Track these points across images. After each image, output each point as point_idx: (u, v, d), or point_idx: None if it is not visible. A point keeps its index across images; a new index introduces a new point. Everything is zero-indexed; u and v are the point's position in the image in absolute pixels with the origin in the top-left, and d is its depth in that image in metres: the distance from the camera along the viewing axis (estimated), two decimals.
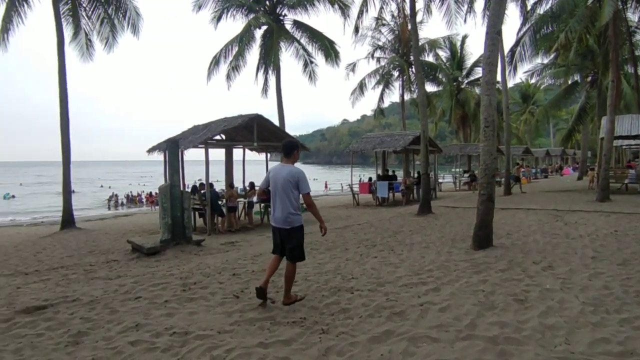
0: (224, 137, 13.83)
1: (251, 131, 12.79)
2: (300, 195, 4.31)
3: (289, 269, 4.29)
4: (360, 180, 21.74)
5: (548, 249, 6.84)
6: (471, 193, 22.23)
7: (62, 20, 15.02)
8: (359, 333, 3.56)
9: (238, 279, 5.52)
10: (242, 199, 13.89)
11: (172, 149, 8.17)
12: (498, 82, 32.84)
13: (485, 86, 7.12)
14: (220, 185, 16.11)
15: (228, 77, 19.64)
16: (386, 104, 31.60)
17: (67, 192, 13.78)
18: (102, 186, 52.85)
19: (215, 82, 23.15)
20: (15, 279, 6.64)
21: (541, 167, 41.09)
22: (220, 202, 12.09)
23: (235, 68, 19.55)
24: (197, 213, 12.71)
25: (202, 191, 11.79)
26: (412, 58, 25.92)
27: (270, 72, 21.01)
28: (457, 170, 31.32)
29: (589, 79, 22.21)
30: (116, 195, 35.49)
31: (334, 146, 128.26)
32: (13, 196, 41.86)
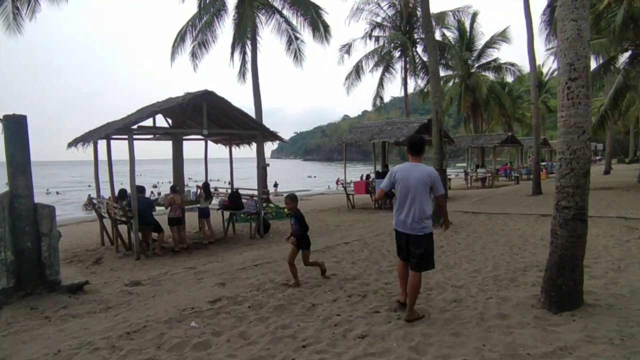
0: (170, 123, 10.49)
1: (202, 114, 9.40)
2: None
3: (414, 279, 3.78)
4: (362, 178, 17.99)
5: None
6: (488, 191, 18.82)
7: None
8: None
9: None
10: (197, 205, 10.60)
11: (13, 133, 4.63)
12: (512, 65, 29.63)
13: (569, 4, 3.72)
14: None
15: (194, 55, 16.20)
16: (387, 98, 28.07)
17: None
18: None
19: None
20: None
21: (551, 162, 37.44)
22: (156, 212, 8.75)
23: (202, 44, 16.13)
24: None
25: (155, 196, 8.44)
26: (415, 36, 22.51)
27: (248, 50, 17.57)
28: (465, 165, 27.95)
29: (629, 53, 18.65)
30: (91, 198, 31.60)
31: (335, 142, 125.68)
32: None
